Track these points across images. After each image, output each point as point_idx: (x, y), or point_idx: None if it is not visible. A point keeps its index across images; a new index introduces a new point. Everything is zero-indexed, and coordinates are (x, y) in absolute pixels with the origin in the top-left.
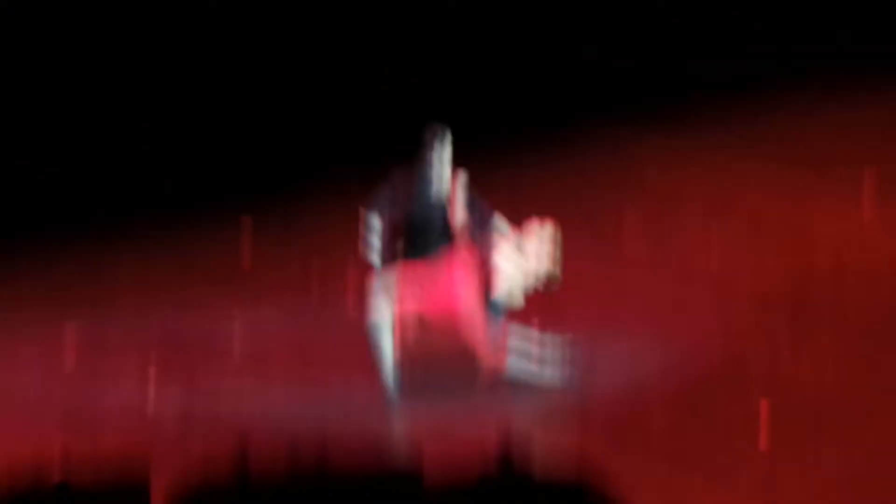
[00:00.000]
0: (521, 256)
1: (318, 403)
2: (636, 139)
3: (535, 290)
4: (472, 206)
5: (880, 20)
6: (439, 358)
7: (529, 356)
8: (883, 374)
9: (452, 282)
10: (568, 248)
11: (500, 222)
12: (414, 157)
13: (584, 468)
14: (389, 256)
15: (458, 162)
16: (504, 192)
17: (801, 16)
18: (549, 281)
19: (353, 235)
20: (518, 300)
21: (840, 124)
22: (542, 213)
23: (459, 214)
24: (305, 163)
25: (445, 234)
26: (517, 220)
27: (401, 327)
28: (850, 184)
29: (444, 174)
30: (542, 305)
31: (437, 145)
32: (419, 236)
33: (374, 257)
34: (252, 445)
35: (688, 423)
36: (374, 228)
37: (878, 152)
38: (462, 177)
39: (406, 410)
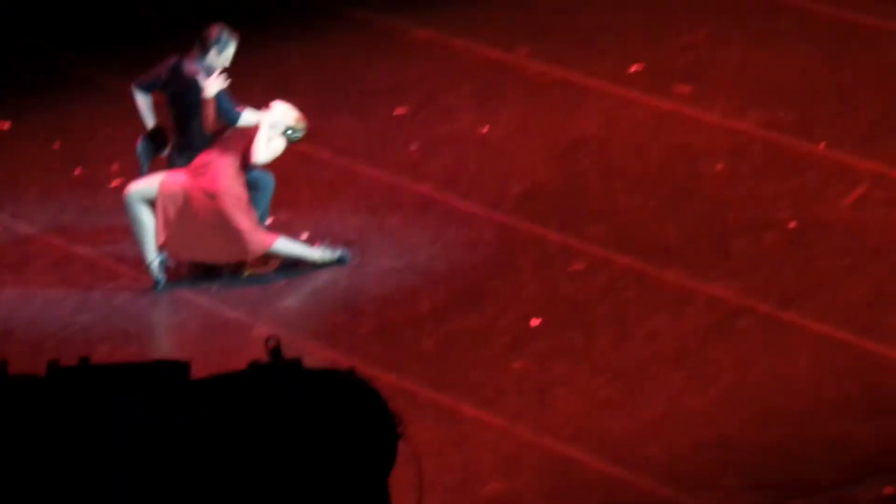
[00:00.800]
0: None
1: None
2: (403, 29)
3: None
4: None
5: None
6: (202, 235)
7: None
8: (653, 262)
9: (213, 162)
10: (337, 144)
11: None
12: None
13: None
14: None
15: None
16: (270, 87)
17: None
18: (298, 135)
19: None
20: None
21: (606, 18)
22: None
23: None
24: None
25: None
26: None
27: (163, 203)
28: (618, 74)
29: (218, 67)
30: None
31: (221, 43)
32: (185, 121)
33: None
34: (12, 346)
35: (457, 312)
36: (144, 106)
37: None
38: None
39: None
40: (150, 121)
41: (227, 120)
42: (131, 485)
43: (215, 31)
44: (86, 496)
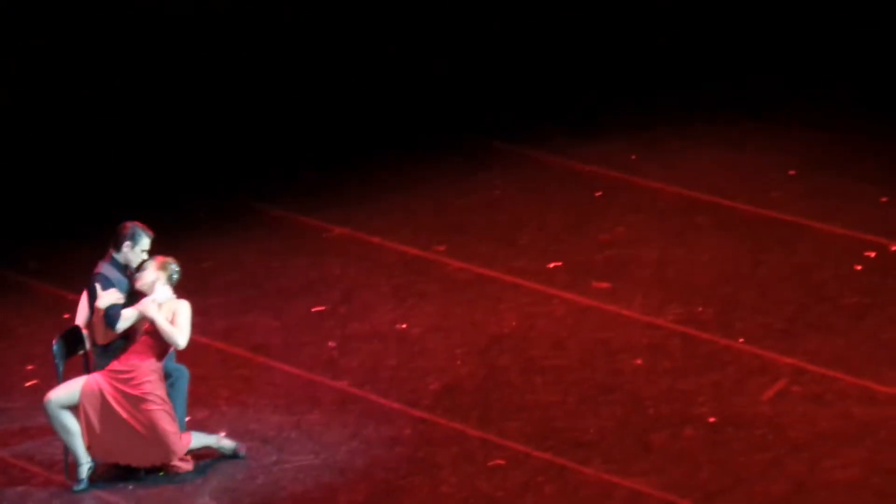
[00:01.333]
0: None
1: None
2: (320, 227)
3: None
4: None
5: None
6: (127, 439)
7: None
8: (573, 457)
9: (136, 368)
10: (255, 341)
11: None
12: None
13: None
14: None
15: None
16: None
17: None
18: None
19: None
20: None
21: (524, 216)
22: None
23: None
24: None
25: None
26: None
27: (84, 408)
28: (537, 270)
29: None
30: None
31: (134, 238)
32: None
33: None
34: None
35: None
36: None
37: None
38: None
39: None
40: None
41: (110, 327)
42: None
43: (128, 227)
44: None
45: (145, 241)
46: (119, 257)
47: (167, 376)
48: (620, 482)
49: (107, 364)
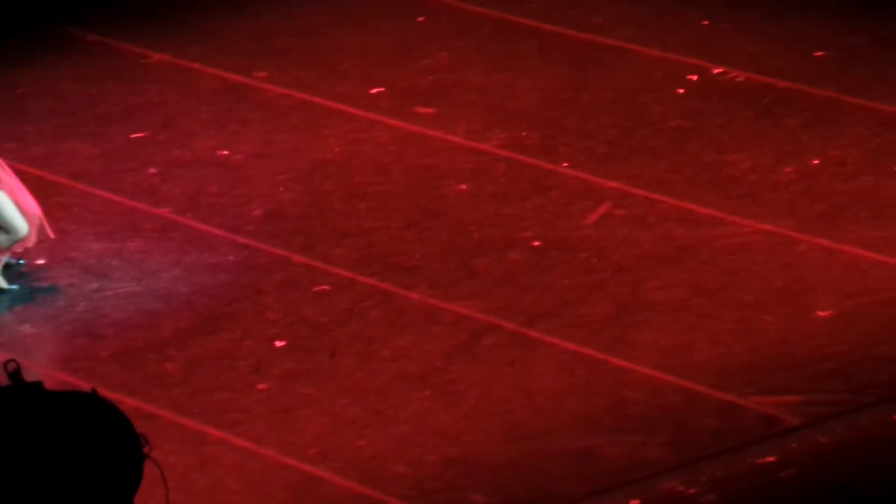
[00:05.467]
0: None
1: None
2: (138, 53)
3: None
4: None
5: None
6: None
7: None
8: (398, 282)
9: None
10: (73, 169)
11: None
12: None
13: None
14: None
15: None
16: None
17: None
18: None
19: None
20: None
21: (346, 42)
22: None
23: None
24: None
25: None
26: None
27: None
28: (360, 97)
29: None
30: None
31: None
32: None
33: None
34: None
35: (200, 336)
36: None
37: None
38: None
39: None
40: None
41: None
42: None
43: None
44: None
45: None
46: None
47: None
48: (446, 306)
49: None
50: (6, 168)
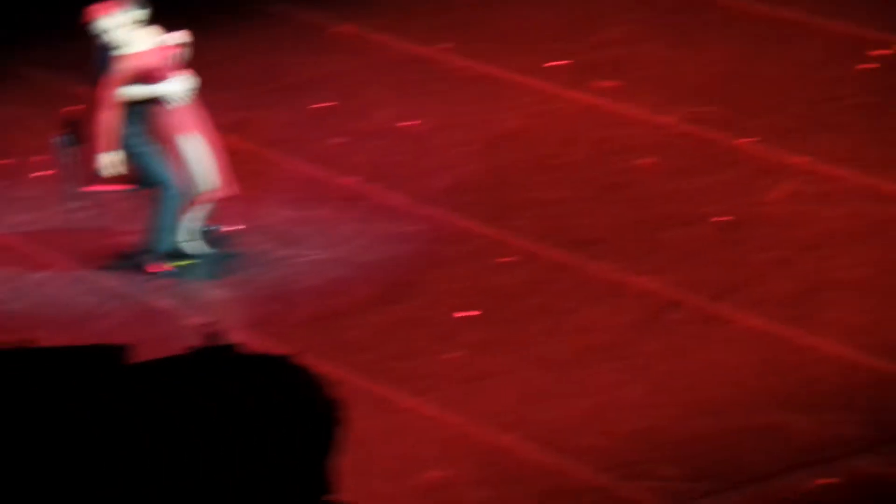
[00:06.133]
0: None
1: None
2: (325, 24)
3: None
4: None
5: None
6: None
7: None
8: (583, 254)
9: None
10: (263, 137)
11: None
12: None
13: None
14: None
15: None
16: None
17: None
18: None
19: None
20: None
21: (529, 15)
22: None
23: None
24: None
25: None
26: None
27: None
28: (542, 69)
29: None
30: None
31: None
32: None
33: None
34: None
35: (389, 304)
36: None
37: None
38: None
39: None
40: None
41: None
42: (76, 467)
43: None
44: (29, 477)
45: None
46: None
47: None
48: (630, 280)
49: None
50: (202, 125)
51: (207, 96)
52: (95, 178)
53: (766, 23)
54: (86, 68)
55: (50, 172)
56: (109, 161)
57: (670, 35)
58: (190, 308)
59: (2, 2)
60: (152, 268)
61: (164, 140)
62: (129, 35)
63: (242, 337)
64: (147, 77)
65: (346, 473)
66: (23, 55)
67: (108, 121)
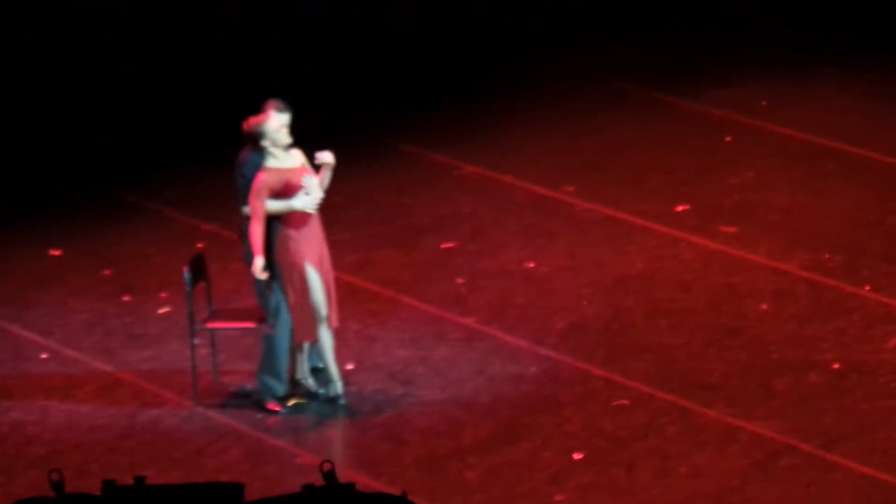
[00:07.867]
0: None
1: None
2: (451, 165)
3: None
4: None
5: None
6: None
7: None
8: (697, 399)
9: None
10: (384, 276)
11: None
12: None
13: None
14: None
15: None
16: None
17: None
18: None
19: None
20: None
21: (653, 159)
22: None
23: None
24: None
25: None
26: None
27: None
28: (665, 213)
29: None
30: None
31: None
32: None
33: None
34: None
35: (500, 445)
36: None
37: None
38: None
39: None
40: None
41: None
42: None
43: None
44: None
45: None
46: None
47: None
48: (743, 425)
49: None
50: (326, 260)
51: (330, 236)
52: (218, 315)
53: (887, 172)
54: (229, 187)
55: (173, 309)
56: (262, 266)
57: (794, 183)
58: (302, 447)
59: (141, 141)
60: (267, 405)
61: (287, 266)
62: (284, 140)
63: (354, 477)
64: (286, 192)
65: None
66: (154, 191)
67: (259, 230)
